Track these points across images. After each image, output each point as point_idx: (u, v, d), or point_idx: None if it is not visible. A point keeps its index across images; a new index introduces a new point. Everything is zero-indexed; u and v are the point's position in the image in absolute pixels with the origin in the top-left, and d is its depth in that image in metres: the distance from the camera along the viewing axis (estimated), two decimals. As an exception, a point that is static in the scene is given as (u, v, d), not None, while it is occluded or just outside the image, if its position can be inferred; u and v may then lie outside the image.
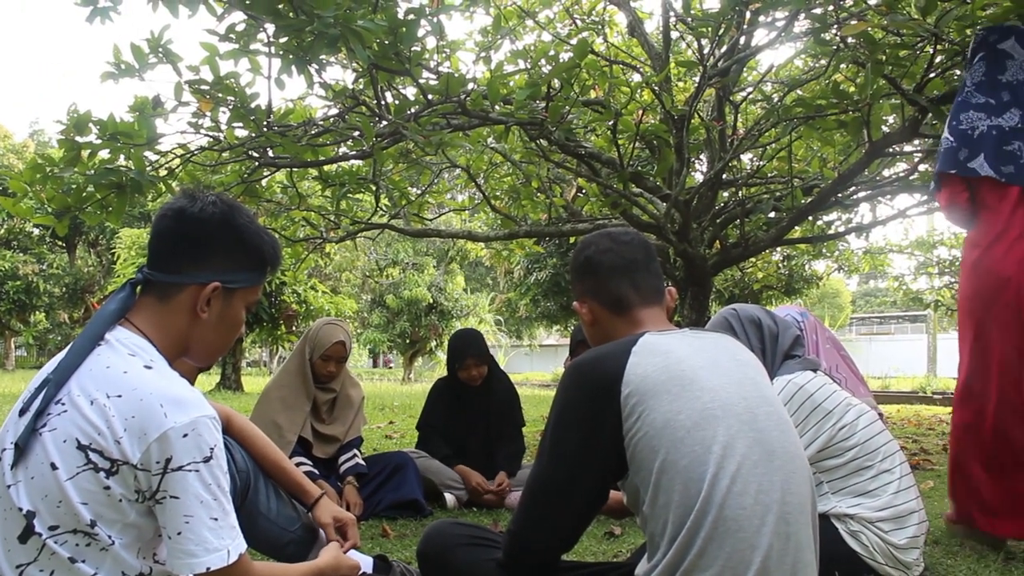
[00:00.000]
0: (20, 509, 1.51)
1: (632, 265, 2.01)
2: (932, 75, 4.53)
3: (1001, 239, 3.19)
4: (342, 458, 4.21)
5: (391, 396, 14.52)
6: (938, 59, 4.54)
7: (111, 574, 1.54)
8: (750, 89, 6.86)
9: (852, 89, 4.87)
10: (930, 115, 4.62)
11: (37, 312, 30.15)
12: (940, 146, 3.35)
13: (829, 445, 2.80)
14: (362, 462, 4.21)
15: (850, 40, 4.31)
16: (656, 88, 5.62)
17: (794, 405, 2.81)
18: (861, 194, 6.91)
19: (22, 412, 1.58)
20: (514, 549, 1.95)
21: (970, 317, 3.27)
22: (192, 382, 1.71)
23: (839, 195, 6.20)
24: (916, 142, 5.86)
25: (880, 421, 2.91)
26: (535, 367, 39.30)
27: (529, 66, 4.97)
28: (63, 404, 1.55)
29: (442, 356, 27.31)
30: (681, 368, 1.73)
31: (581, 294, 2.08)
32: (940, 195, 3.34)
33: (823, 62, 6.38)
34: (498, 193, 7.68)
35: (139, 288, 1.76)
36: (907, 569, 2.80)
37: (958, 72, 4.69)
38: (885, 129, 5.49)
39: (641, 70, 6.66)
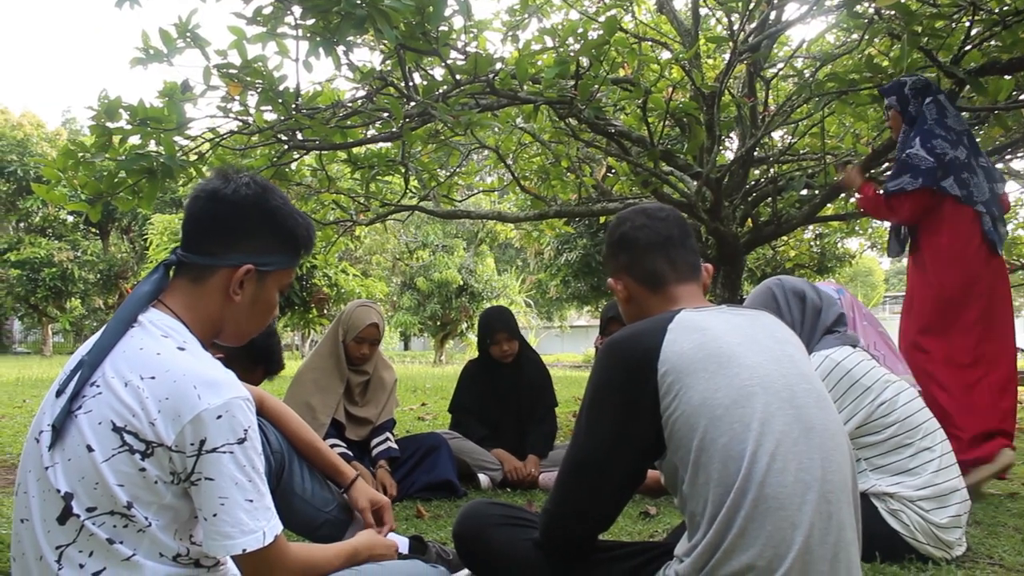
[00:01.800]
0: (58, 491, 1.51)
1: (668, 241, 1.99)
2: (969, 47, 4.44)
3: (969, 246, 3.95)
4: (375, 441, 4.22)
5: (423, 378, 14.56)
6: (975, 30, 4.45)
7: (149, 555, 1.54)
8: (781, 65, 6.76)
9: (885, 63, 4.79)
10: (967, 87, 4.53)
11: (73, 298, 30.54)
12: (909, 161, 3.95)
13: (868, 421, 2.76)
14: (395, 446, 4.22)
15: (884, 12, 4.23)
16: (686, 65, 5.55)
17: (831, 381, 2.76)
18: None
19: (59, 393, 1.59)
20: (550, 529, 1.94)
21: (951, 304, 3.97)
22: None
23: (873, 171, 6.10)
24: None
25: (920, 398, 2.87)
26: (566, 348, 39.29)
27: (557, 44, 4.93)
28: (98, 386, 1.55)
29: (473, 338, 27.36)
30: (718, 345, 1.71)
31: (616, 270, 2.06)
32: (909, 203, 3.97)
33: (855, 36, 6.28)
34: (527, 174, 7.64)
35: (172, 269, 1.76)
36: (949, 548, 2.76)
37: (996, 43, 4.60)
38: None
39: (670, 47, 6.59)
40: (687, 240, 2.03)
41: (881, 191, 4.19)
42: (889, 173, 4.18)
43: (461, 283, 27.34)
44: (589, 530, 1.94)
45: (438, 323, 28.08)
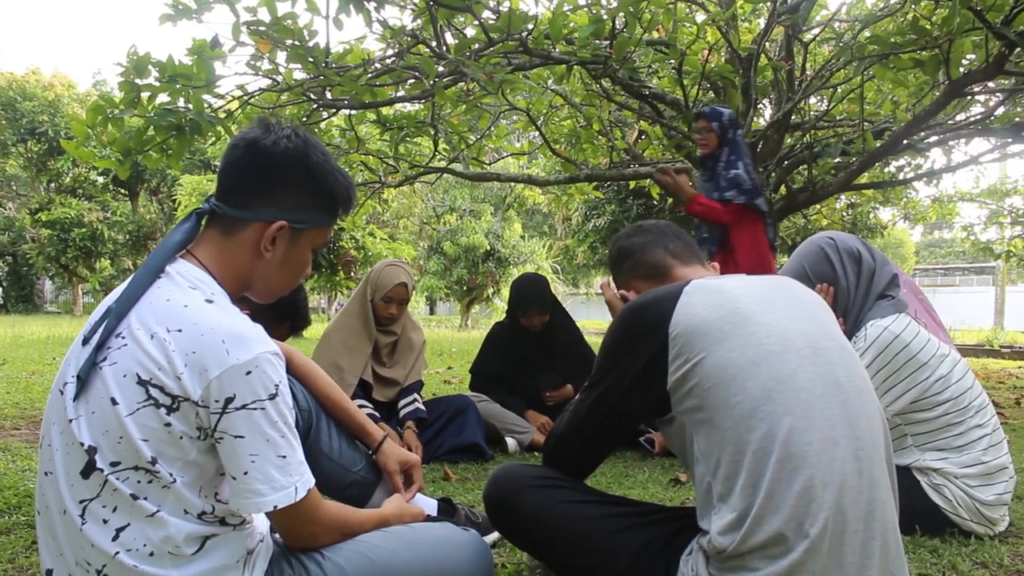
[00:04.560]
0: (82, 444, 1.47)
1: (660, 237, 2.14)
2: (1020, 8, 4.29)
3: (766, 252, 4.79)
4: (402, 402, 4.19)
5: (449, 342, 14.58)
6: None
7: (173, 512, 1.50)
8: (819, 29, 6.62)
9: (929, 27, 4.65)
10: (1017, 50, 4.39)
11: (102, 259, 30.87)
12: (735, 180, 4.70)
13: (921, 398, 2.67)
14: (422, 407, 4.19)
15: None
16: (723, 27, 5.44)
17: (889, 354, 2.66)
18: (933, 138, 6.66)
19: (85, 342, 1.55)
20: (554, 450, 2.08)
21: None
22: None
23: (912, 138, 5.97)
24: (991, 82, 5.61)
25: (971, 373, 2.77)
26: (592, 315, 39.13)
27: (590, 3, 4.83)
28: (123, 337, 1.50)
29: (499, 303, 27.37)
30: (735, 306, 1.71)
31: (624, 281, 2.19)
32: (734, 212, 4.68)
33: (894, 0, 6.11)
34: (558, 137, 7.56)
35: (205, 219, 1.71)
36: (993, 525, 2.68)
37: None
38: (962, 70, 5.23)
39: (706, 8, 6.47)
40: (681, 235, 2.17)
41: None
42: (711, 187, 4.84)
43: (488, 248, 27.30)
44: (576, 467, 2.09)
45: (464, 288, 28.08)
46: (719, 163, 4.80)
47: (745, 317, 1.68)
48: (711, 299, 1.72)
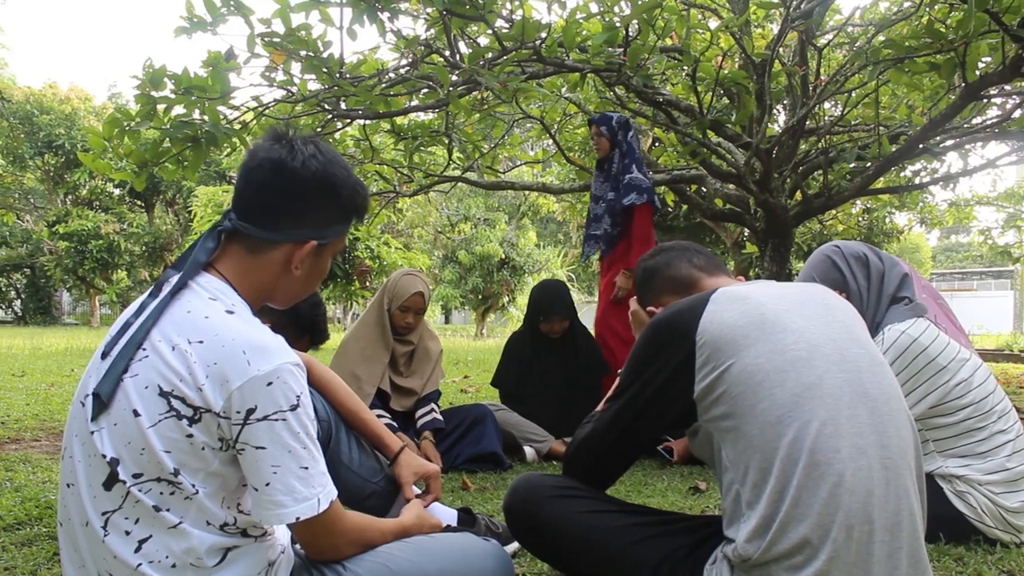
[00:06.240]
0: (104, 456, 1.48)
1: (683, 253, 2.17)
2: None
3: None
4: (419, 412, 4.18)
5: (465, 351, 14.58)
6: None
7: (196, 523, 1.50)
8: (833, 34, 6.60)
9: (944, 30, 4.63)
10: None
11: (119, 270, 31.00)
12: (633, 183, 4.88)
13: (942, 403, 2.64)
14: (439, 417, 4.17)
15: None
16: (736, 33, 5.43)
17: (908, 358, 2.64)
18: (949, 142, 6.61)
19: (104, 355, 1.55)
20: (573, 465, 2.09)
21: None
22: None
23: (928, 142, 5.93)
24: (1007, 85, 5.57)
25: (993, 378, 2.74)
26: (606, 323, 39.03)
27: (603, 10, 4.84)
28: (144, 350, 1.51)
29: (515, 312, 27.32)
30: (761, 312, 1.69)
31: (654, 299, 2.19)
32: (645, 214, 4.87)
33: (908, 4, 6.09)
34: (572, 145, 7.56)
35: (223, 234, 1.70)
36: (1018, 533, 2.65)
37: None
38: (978, 73, 5.19)
39: (719, 14, 6.46)
40: (702, 250, 2.19)
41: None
42: (608, 187, 5.04)
43: (503, 256, 27.26)
44: (597, 476, 2.07)
45: (479, 296, 28.03)
46: (613, 165, 5.01)
47: (773, 323, 1.67)
48: (738, 306, 1.71)
